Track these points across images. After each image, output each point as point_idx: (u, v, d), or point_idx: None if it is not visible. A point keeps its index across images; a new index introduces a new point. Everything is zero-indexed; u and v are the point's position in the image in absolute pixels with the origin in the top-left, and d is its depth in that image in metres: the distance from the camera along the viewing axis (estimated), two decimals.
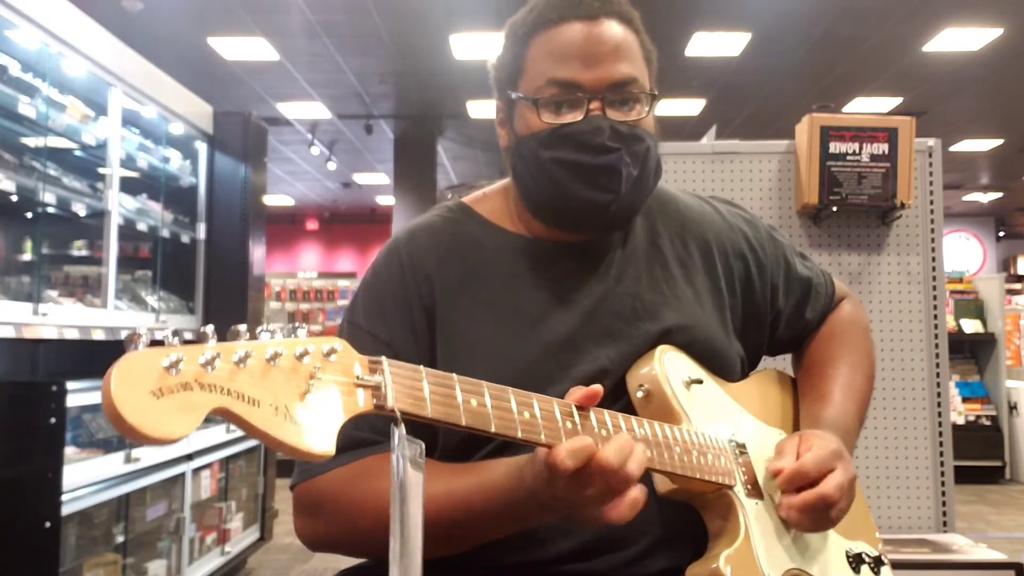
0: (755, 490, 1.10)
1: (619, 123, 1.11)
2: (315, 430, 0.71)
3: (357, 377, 0.76)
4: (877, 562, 1.21)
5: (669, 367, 1.11)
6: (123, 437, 0.64)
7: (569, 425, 0.92)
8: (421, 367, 0.82)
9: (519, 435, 0.87)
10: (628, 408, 1.09)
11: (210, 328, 0.70)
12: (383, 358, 0.79)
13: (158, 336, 0.68)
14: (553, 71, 1.11)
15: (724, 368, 1.20)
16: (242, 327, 0.72)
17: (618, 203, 1.12)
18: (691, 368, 1.15)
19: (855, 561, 1.18)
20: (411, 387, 0.81)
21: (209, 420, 3.42)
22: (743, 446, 1.13)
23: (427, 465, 1.04)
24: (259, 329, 0.74)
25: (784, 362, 1.49)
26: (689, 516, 1.09)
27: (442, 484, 1.00)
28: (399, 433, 0.78)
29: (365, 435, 1.06)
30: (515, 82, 1.16)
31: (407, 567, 0.77)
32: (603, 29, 1.11)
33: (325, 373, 0.74)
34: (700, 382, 1.13)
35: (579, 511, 0.92)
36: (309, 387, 0.72)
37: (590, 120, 1.10)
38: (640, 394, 1.11)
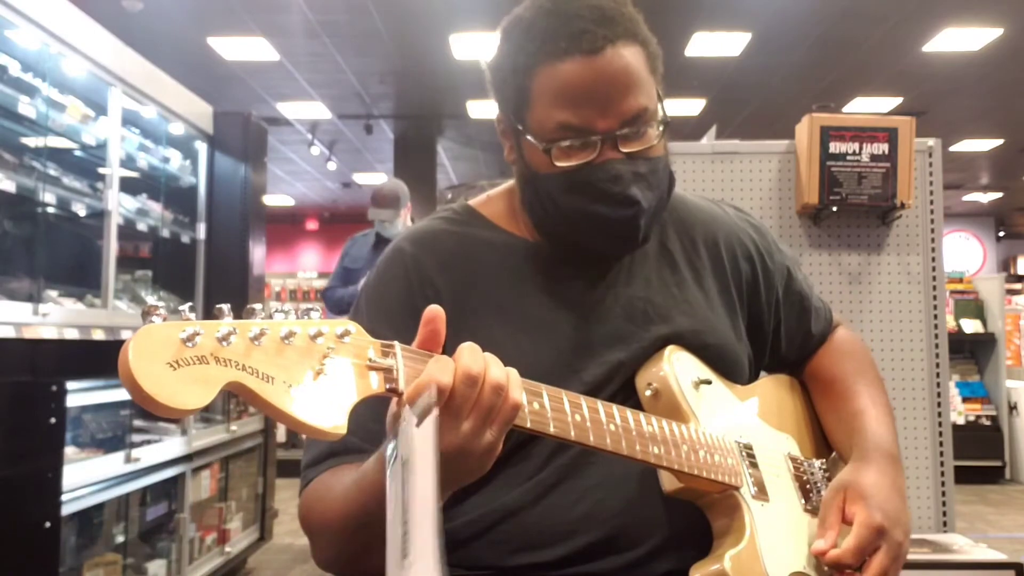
0: (761, 492, 1.10)
1: (635, 161, 1.08)
2: (327, 409, 0.71)
3: (370, 360, 0.76)
4: None
5: (678, 367, 1.11)
6: (140, 405, 0.64)
7: (578, 418, 0.92)
8: (432, 353, 0.82)
9: (528, 425, 0.87)
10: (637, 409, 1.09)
11: (226, 306, 0.70)
12: (395, 343, 0.79)
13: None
14: (562, 116, 1.06)
15: (733, 371, 1.20)
16: (257, 306, 0.72)
17: (638, 243, 1.15)
18: (700, 369, 1.14)
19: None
20: (422, 371, 0.80)
21: (209, 420, 3.39)
22: (750, 448, 1.13)
23: (337, 471, 1.03)
24: (273, 310, 0.74)
25: None
26: (695, 517, 1.09)
27: (340, 488, 0.99)
28: (406, 415, 0.77)
29: (355, 441, 1.01)
30: (521, 114, 1.12)
31: (418, 546, 0.75)
32: (610, 64, 1.05)
33: (339, 354, 0.74)
34: (708, 383, 1.13)
35: (468, 459, 0.82)
36: (323, 367, 0.72)
37: (607, 167, 1.07)
38: (648, 393, 1.10)
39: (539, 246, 1.19)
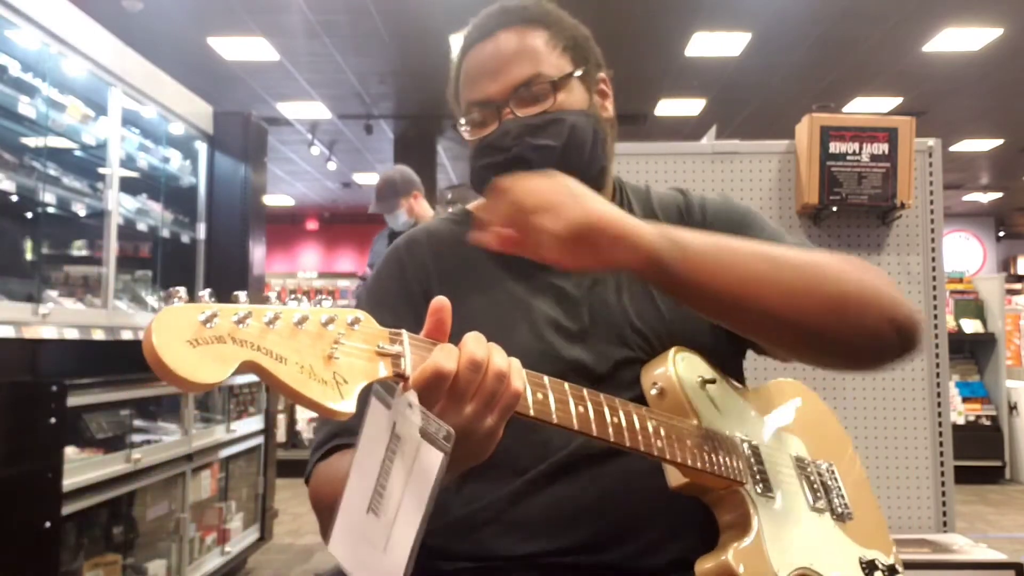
0: (767, 489, 1.11)
1: (529, 118, 1.17)
2: (338, 390, 0.75)
3: (379, 346, 0.79)
4: (891, 570, 1.21)
5: (682, 366, 1.13)
6: (162, 379, 0.69)
7: (581, 409, 0.93)
8: (437, 342, 0.85)
9: (531, 413, 0.89)
10: (639, 402, 1.10)
11: (243, 293, 0.73)
12: (403, 331, 0.82)
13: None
14: (469, 95, 1.22)
15: (728, 368, 1.21)
16: (241, 293, 0.75)
17: None
18: (704, 369, 1.16)
19: (868, 568, 1.18)
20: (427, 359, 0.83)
21: (209, 420, 3.37)
22: (756, 447, 1.14)
23: (344, 454, 1.06)
24: (287, 299, 0.76)
25: (793, 371, 1.49)
26: (698, 508, 1.10)
27: (346, 468, 1.00)
28: (410, 400, 0.80)
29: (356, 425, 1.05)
30: (460, 111, 1.26)
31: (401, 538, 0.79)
32: (499, 42, 1.20)
33: (349, 340, 0.77)
34: (713, 382, 1.14)
35: (469, 441, 0.83)
36: (333, 351, 0.76)
37: (500, 127, 1.19)
38: (654, 392, 1.12)
39: None
